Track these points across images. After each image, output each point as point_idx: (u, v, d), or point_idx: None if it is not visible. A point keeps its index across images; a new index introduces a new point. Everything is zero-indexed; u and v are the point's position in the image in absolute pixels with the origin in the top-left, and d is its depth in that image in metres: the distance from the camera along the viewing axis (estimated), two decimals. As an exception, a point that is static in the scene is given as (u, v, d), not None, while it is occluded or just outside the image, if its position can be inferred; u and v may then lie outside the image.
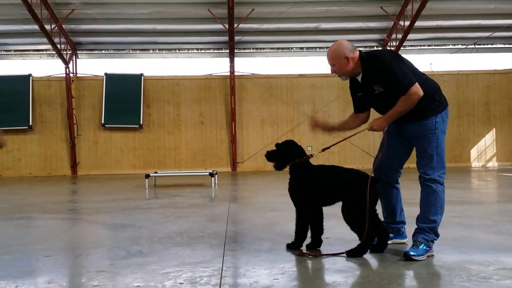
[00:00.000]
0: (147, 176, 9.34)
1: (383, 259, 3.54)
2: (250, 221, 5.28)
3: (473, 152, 13.36)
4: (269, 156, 3.92)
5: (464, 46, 12.94)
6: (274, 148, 3.94)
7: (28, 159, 13.39)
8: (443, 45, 13.54)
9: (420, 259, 3.51)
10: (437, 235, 3.63)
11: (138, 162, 13.38)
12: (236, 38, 12.71)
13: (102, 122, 13.21)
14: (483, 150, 13.38)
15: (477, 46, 12.80)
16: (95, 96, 13.36)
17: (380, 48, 13.77)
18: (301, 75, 13.49)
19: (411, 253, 3.51)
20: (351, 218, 3.58)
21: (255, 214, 5.62)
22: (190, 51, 13.85)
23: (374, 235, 3.63)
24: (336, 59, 3.70)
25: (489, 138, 13.40)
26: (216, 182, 9.41)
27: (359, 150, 13.18)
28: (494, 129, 13.38)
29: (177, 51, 13.82)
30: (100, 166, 13.36)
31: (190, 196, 7.72)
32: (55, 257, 3.73)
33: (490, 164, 13.30)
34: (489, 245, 3.83)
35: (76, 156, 13.33)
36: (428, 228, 3.64)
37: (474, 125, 13.47)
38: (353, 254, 3.56)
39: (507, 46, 13.63)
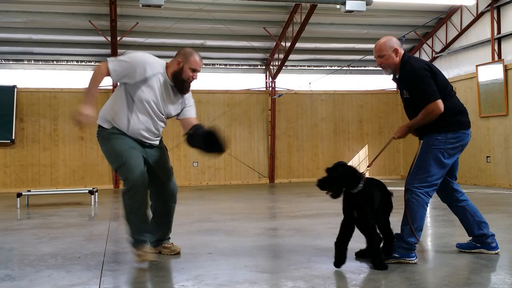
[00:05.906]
0: (19, 195, 8.68)
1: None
2: (131, 240, 5.11)
3: (349, 167, 14.22)
4: (322, 184, 3.60)
5: (340, 68, 13.81)
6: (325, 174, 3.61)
7: None
8: (321, 66, 14.32)
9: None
10: (405, 243, 3.75)
11: (10, 180, 12.39)
12: (120, 51, 12.36)
13: (-31, 137, 12.08)
14: (357, 165, 14.31)
15: (351, 68, 13.72)
16: (-39, 109, 12.19)
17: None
18: (186, 91, 13.45)
19: None
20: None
21: (137, 232, 5.44)
22: (69, 63, 13.20)
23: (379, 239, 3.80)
24: (385, 50, 3.85)
25: (362, 153, 14.38)
26: (96, 200, 9.01)
27: (244, 166, 13.42)
28: (366, 145, 14.38)
29: (55, 62, 13.09)
30: (-35, 185, 12.18)
31: (67, 215, 7.30)
32: None
33: (363, 178, 14.23)
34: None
35: None
36: (398, 235, 3.85)
37: (349, 142, 14.38)
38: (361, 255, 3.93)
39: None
